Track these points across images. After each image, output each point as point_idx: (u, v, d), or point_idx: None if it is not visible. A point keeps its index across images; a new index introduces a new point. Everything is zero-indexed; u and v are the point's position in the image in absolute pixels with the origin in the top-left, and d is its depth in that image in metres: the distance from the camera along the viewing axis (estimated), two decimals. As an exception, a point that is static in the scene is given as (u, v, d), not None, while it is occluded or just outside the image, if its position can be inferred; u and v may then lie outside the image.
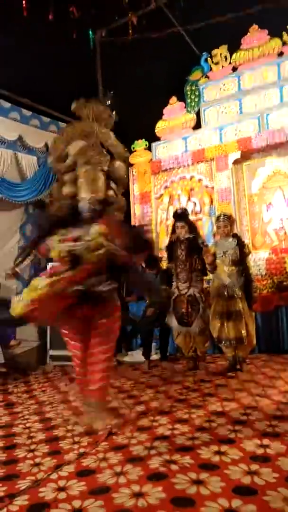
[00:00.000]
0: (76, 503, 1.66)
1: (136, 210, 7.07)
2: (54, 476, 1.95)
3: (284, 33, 6.08)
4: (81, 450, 2.26)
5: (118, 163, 2.75)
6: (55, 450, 2.31)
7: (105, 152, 2.69)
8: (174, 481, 1.78)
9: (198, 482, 1.75)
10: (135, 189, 7.16)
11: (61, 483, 1.87)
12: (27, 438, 2.55)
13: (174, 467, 1.92)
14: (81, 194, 2.61)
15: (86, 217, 2.53)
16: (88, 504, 1.64)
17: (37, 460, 2.18)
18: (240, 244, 4.13)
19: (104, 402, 2.68)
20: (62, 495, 1.74)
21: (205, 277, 4.38)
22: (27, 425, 2.84)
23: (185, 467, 1.90)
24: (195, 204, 6.56)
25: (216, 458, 1.97)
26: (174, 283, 4.25)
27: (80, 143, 2.67)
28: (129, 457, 2.09)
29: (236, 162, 6.23)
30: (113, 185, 2.71)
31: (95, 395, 2.58)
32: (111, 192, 2.68)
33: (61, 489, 1.80)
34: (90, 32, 7.08)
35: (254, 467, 1.84)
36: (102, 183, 2.62)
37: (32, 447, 2.39)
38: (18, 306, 2.27)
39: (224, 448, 2.08)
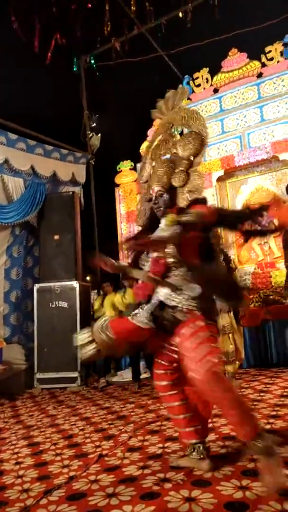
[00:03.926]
0: (67, 528, 1.62)
1: (123, 229, 7.14)
2: (43, 501, 1.91)
3: (262, 55, 6.34)
4: (72, 473, 2.22)
5: (184, 136, 2.30)
6: (44, 475, 2.26)
7: (173, 134, 2.36)
8: (167, 499, 1.75)
9: (190, 500, 1.72)
10: (121, 208, 7.25)
11: (51, 508, 1.82)
12: (15, 464, 2.49)
13: (167, 485, 1.90)
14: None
15: (159, 215, 2.19)
16: (79, 527, 1.61)
17: (26, 486, 2.12)
18: (226, 260, 4.18)
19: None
20: (52, 520, 1.70)
21: None
22: (15, 450, 2.77)
23: (178, 485, 1.88)
24: (181, 221, 6.64)
25: (208, 475, 1.96)
26: None
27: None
28: (121, 478, 2.06)
29: (219, 179, 6.37)
30: (181, 165, 2.23)
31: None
32: (177, 177, 2.20)
33: (51, 514, 1.76)
34: (74, 58, 7.26)
35: (246, 481, 1.82)
36: (163, 173, 2.21)
37: (21, 472, 2.33)
38: None
39: (216, 463, 2.07)
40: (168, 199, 2.16)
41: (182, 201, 2.16)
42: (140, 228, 2.41)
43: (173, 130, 2.37)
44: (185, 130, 2.36)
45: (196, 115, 2.32)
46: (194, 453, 2.06)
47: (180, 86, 2.50)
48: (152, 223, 2.24)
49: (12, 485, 2.15)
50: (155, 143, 2.43)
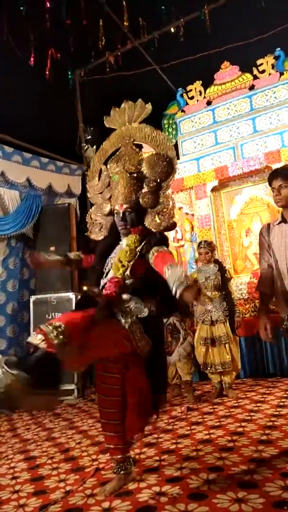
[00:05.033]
0: None
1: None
2: (39, 516, 1.90)
3: (254, 68, 6.45)
4: (68, 488, 2.21)
5: (152, 157, 2.26)
6: (40, 489, 2.24)
7: (137, 150, 2.32)
8: (163, 513, 1.75)
9: (186, 513, 1.73)
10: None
11: (47, 523, 1.82)
12: (11, 479, 2.47)
13: (163, 499, 1.90)
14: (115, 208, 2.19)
15: (123, 233, 2.17)
16: None
17: (22, 501, 2.11)
18: (221, 270, 4.22)
19: None
20: (48, 536, 1.70)
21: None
22: (11, 465, 2.75)
23: (174, 498, 1.88)
24: (176, 231, 6.69)
25: (204, 487, 1.96)
26: None
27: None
28: (117, 492, 2.05)
29: (214, 190, 6.42)
30: (149, 186, 2.18)
31: None
32: (146, 197, 2.16)
33: (47, 529, 1.76)
34: (69, 72, 7.38)
35: (242, 494, 1.83)
36: (130, 190, 2.15)
37: (17, 487, 2.32)
38: None
39: (212, 476, 2.07)
40: (136, 218, 2.14)
41: (150, 223, 2.13)
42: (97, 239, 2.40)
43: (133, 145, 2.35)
44: (145, 146, 2.39)
45: (163, 138, 2.31)
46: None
47: (139, 100, 2.47)
48: (113, 238, 2.22)
49: (8, 501, 2.14)
50: (115, 154, 2.38)
